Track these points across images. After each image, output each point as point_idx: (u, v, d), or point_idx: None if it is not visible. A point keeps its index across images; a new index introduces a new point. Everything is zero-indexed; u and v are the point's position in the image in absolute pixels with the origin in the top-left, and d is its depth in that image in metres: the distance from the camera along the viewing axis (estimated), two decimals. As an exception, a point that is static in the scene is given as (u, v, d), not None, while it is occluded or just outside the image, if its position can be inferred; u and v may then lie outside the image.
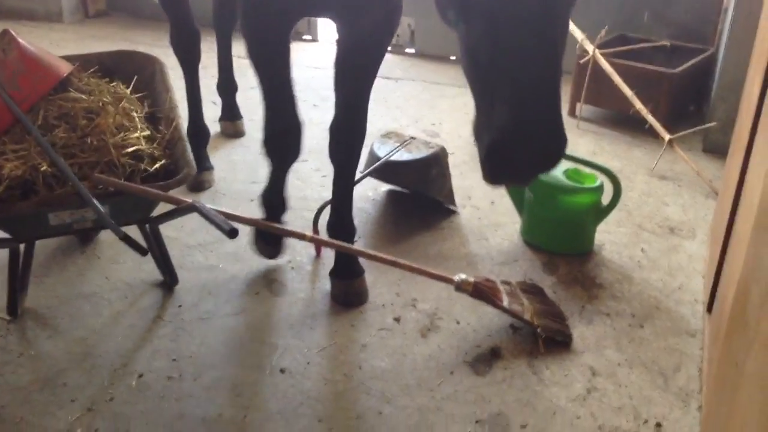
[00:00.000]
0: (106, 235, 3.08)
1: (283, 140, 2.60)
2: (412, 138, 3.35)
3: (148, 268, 2.88)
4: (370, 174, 3.22)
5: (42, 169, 2.26)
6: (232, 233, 2.03)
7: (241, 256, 3.03)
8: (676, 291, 2.91)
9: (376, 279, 2.88)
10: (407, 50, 5.72)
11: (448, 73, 5.30)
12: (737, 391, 1.56)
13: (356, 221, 2.89)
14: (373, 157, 3.25)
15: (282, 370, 2.44)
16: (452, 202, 3.37)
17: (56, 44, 5.57)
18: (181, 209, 2.35)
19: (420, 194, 3.32)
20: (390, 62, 5.54)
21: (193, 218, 3.18)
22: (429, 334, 2.63)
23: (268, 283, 2.90)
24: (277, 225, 2.60)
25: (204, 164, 3.52)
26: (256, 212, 2.99)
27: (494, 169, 1.58)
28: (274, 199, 2.85)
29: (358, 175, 2.86)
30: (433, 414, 2.28)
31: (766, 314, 1.40)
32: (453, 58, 5.52)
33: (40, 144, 2.28)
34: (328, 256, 2.95)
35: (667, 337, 2.65)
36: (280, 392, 2.35)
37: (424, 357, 2.52)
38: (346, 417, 2.26)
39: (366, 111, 2.62)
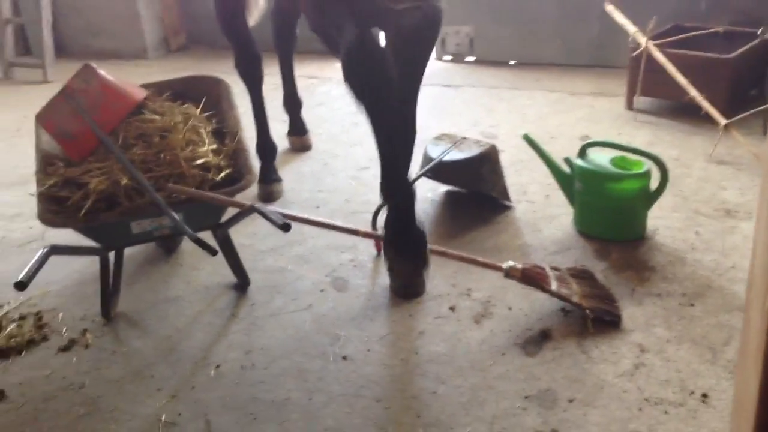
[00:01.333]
0: (187, 245, 3.38)
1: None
2: (463, 138, 3.51)
3: (224, 273, 3.14)
4: (424, 175, 3.39)
5: (123, 183, 2.55)
6: (285, 227, 2.25)
7: (308, 258, 3.27)
8: (730, 270, 2.95)
9: (433, 273, 3.04)
10: (467, 59, 5.88)
11: (506, 77, 5.43)
12: (746, 344, 1.65)
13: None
14: (427, 159, 3.43)
15: (344, 358, 2.64)
16: (507, 197, 3.50)
17: (142, 78, 6.00)
18: (244, 212, 2.60)
19: (475, 192, 3.47)
20: (450, 71, 5.72)
21: (265, 225, 3.44)
22: (482, 320, 2.78)
23: (332, 281, 3.11)
24: (333, 223, 2.80)
25: (272, 176, 3.77)
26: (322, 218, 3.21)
27: None
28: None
29: (412, 176, 3.05)
30: (484, 392, 2.42)
31: None
32: (512, 62, 5.64)
33: (120, 161, 2.57)
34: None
35: (718, 313, 2.70)
36: (343, 377, 2.55)
37: (477, 341, 2.67)
38: (402, 397, 2.43)
39: (415, 109, 2.85)
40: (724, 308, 2.72)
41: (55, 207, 2.58)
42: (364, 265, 3.20)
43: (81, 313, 2.99)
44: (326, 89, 5.25)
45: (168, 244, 3.28)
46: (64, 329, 2.90)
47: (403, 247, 2.85)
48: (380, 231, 3.09)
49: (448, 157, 3.35)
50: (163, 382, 2.60)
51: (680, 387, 2.37)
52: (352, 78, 2.56)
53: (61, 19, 6.73)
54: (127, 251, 3.04)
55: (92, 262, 3.23)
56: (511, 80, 5.34)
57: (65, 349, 2.81)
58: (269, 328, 2.84)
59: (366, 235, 2.83)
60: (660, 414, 2.28)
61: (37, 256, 2.41)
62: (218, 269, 3.18)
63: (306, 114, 4.44)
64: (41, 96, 3.29)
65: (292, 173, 4.11)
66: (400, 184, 2.82)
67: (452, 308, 2.85)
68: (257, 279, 3.13)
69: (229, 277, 3.12)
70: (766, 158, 2.56)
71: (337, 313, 2.91)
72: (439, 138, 3.57)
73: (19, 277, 2.28)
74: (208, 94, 3.17)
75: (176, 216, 2.51)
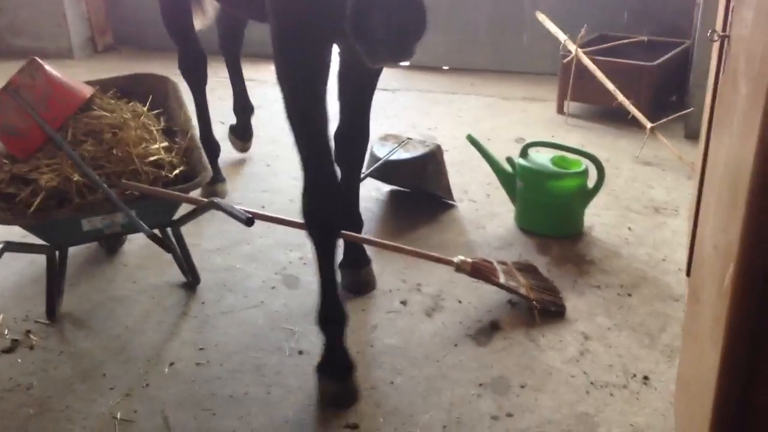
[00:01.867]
0: (130, 246, 3.34)
1: (327, 205, 2.32)
2: (408, 138, 3.60)
3: (171, 272, 3.12)
4: (371, 174, 3.46)
5: (75, 179, 2.51)
6: (249, 221, 2.27)
7: (257, 257, 3.28)
8: (661, 263, 3.13)
9: (383, 268, 3.11)
10: (401, 64, 5.98)
11: (440, 82, 5.57)
12: (698, 325, 1.79)
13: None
14: (374, 158, 3.50)
15: (300, 352, 2.67)
16: (450, 196, 3.60)
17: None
18: (202, 207, 2.60)
19: (419, 191, 3.56)
20: (385, 75, 5.81)
21: (211, 225, 3.45)
22: (434, 313, 2.86)
23: (282, 278, 3.13)
24: (283, 218, 2.82)
25: (217, 177, 3.74)
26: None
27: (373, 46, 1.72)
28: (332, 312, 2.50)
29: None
30: (440, 381, 2.50)
31: (719, 265, 1.63)
32: (445, 68, 5.79)
33: (71, 157, 2.53)
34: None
35: (653, 302, 2.87)
36: (300, 371, 2.58)
37: (430, 333, 2.74)
38: (361, 388, 2.48)
39: (369, 117, 2.77)
40: (659, 297, 2.90)
41: (2, 204, 2.51)
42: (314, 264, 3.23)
43: (23, 314, 2.91)
44: (263, 92, 5.25)
45: (111, 244, 3.23)
46: (6, 331, 2.83)
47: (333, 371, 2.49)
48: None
49: (394, 157, 3.42)
50: (115, 381, 2.57)
51: (623, 371, 2.51)
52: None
53: (-19, 16, 6.48)
54: (70, 251, 2.98)
55: (31, 264, 3.16)
56: (446, 85, 5.48)
57: (9, 350, 2.73)
58: (222, 326, 2.84)
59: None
60: (606, 396, 2.41)
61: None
62: (165, 269, 3.16)
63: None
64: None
65: (235, 174, 4.11)
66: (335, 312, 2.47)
67: (404, 302, 2.93)
68: (206, 278, 3.12)
69: (176, 276, 3.10)
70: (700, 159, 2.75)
71: (289, 309, 2.93)
72: (385, 138, 3.65)
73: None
74: (154, 92, 3.14)
75: (131, 212, 2.49)
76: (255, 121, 4.39)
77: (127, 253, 3.34)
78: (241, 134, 4.27)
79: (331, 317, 2.46)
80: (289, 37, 2.15)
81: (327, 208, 2.30)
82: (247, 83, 4.31)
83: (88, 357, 2.70)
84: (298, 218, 3.17)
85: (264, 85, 5.46)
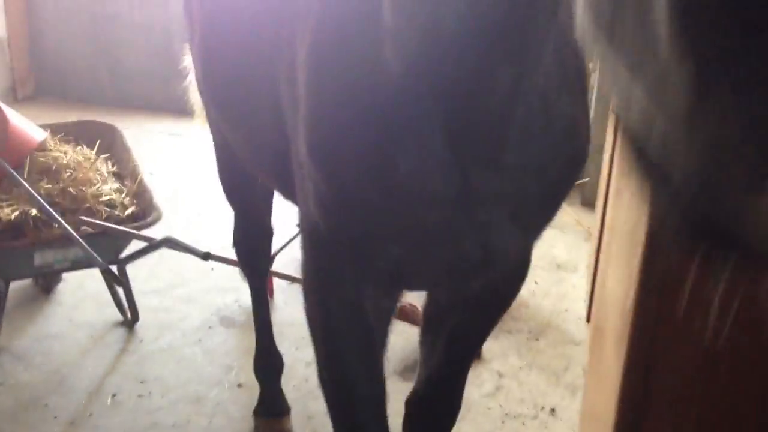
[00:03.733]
0: (64, 285, 3.42)
1: None
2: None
3: (107, 312, 3.23)
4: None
5: (32, 214, 2.65)
6: (206, 256, 2.47)
7: (194, 298, 3.43)
8: (564, 312, 3.51)
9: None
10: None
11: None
12: (601, 356, 2.13)
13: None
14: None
15: (239, 385, 2.85)
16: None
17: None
18: (155, 245, 2.77)
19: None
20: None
21: (144, 268, 3.58)
22: (363, 352, 3.10)
23: (219, 319, 3.30)
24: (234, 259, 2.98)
25: (281, 406, 2.64)
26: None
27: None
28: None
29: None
30: (371, 411, 2.72)
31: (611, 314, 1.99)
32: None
33: (28, 194, 2.66)
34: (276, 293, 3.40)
35: (558, 346, 3.22)
36: (240, 402, 2.75)
37: (360, 370, 2.98)
38: (300, 417, 2.68)
39: (463, 384, 1.98)
40: (562, 342, 3.25)
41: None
42: (248, 304, 3.42)
43: (-42, 349, 2.96)
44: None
45: (48, 282, 3.32)
46: (-61, 363, 2.86)
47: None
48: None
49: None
50: (58, 411, 2.66)
51: (533, 404, 2.83)
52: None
53: None
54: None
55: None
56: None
57: (-55, 383, 2.77)
58: (161, 361, 2.98)
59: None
60: (519, 425, 2.71)
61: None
62: (101, 308, 3.26)
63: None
64: None
65: None
66: None
67: (335, 342, 3.15)
68: (143, 317, 3.24)
69: (113, 315, 3.22)
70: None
71: (227, 346, 3.11)
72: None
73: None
74: (101, 138, 3.31)
75: (88, 247, 2.63)
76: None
77: (61, 292, 3.42)
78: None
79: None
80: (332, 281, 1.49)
81: None
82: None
83: (29, 388, 2.77)
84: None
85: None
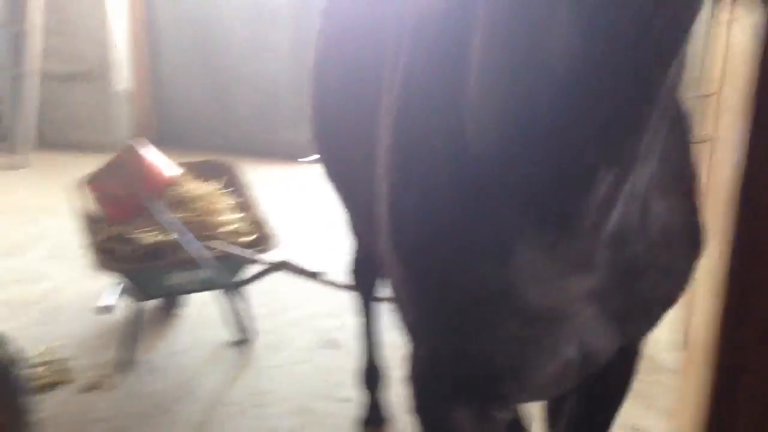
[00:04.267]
0: (188, 309, 3.78)
1: None
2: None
3: (225, 332, 3.55)
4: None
5: (171, 239, 3.02)
6: (318, 275, 2.75)
7: (301, 322, 3.73)
8: (657, 342, 3.60)
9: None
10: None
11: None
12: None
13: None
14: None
15: (346, 399, 3.09)
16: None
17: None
18: (274, 266, 3.07)
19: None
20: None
21: (255, 294, 3.88)
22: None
23: (325, 341, 3.57)
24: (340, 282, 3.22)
25: (382, 415, 2.88)
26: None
27: None
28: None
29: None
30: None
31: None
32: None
33: (168, 222, 3.04)
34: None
35: (651, 373, 3.32)
36: (346, 413, 2.99)
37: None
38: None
39: None
40: (656, 370, 3.35)
41: (107, 255, 3.00)
42: (352, 328, 3.69)
43: (98, 361, 3.33)
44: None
45: (172, 304, 3.68)
46: (82, 376, 3.23)
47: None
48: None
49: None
50: (184, 416, 2.97)
51: (626, 428, 2.94)
52: None
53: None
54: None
55: (97, 319, 3.57)
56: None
57: (88, 389, 3.14)
58: (276, 376, 3.26)
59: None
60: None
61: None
62: (220, 328, 3.58)
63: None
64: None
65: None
66: None
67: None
68: (256, 338, 3.55)
69: (230, 335, 3.53)
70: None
71: (334, 365, 3.36)
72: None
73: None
74: (224, 174, 3.68)
75: (219, 269, 2.97)
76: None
77: (186, 314, 3.79)
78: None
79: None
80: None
81: None
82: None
83: (161, 396, 3.11)
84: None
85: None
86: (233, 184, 3.66)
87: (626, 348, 1.41)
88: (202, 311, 3.76)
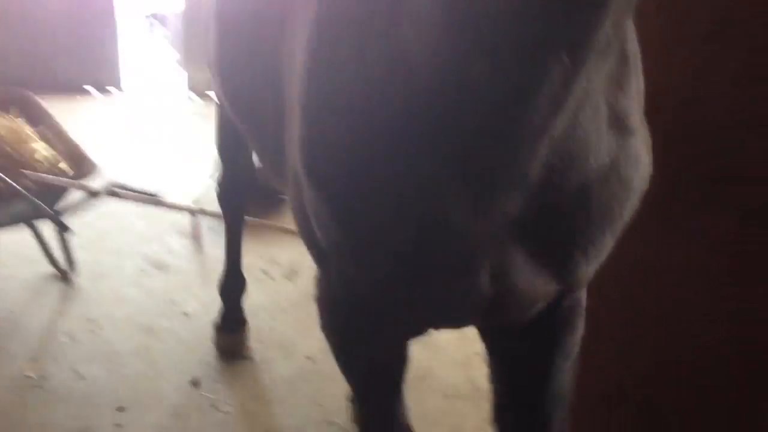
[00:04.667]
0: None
1: None
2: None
3: (40, 267, 3.38)
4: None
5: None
6: (155, 196, 2.72)
7: (121, 249, 3.65)
8: None
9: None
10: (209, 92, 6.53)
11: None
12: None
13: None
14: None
15: (185, 314, 3.13)
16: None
17: None
18: (98, 191, 2.97)
19: (262, 188, 4.10)
20: (202, 104, 6.32)
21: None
22: (293, 277, 3.45)
23: (151, 264, 3.55)
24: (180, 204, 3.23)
25: (241, 322, 2.95)
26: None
27: None
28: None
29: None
30: (309, 327, 3.09)
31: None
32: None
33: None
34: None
35: None
36: (189, 327, 3.04)
37: (289, 291, 3.34)
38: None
39: None
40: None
41: None
42: (178, 251, 3.69)
43: None
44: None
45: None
46: None
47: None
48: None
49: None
50: (19, 350, 2.84)
51: None
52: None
53: None
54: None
55: None
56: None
57: None
58: (105, 302, 3.20)
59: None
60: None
61: None
62: (32, 264, 3.41)
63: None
64: None
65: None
66: None
67: (264, 272, 3.49)
68: (79, 268, 3.43)
69: (47, 269, 3.38)
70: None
71: (165, 286, 3.36)
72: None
73: None
74: (14, 103, 3.43)
75: (35, 200, 2.82)
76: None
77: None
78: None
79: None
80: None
81: None
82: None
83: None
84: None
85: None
86: (33, 114, 3.44)
87: (566, 295, 1.34)
88: (15, 246, 3.54)
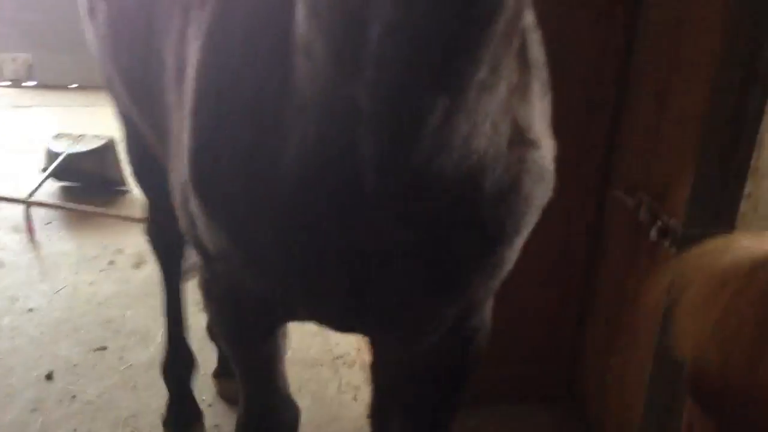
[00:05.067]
0: None
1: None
2: (81, 135, 4.04)
3: None
4: (53, 174, 3.83)
5: None
6: None
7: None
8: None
9: (83, 238, 3.56)
10: (25, 83, 6.18)
11: (73, 97, 5.95)
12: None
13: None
14: (52, 155, 3.88)
15: (30, 309, 3.04)
16: (125, 182, 4.13)
17: None
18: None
19: (101, 180, 4.00)
20: (13, 95, 5.97)
21: None
22: (141, 265, 3.43)
23: (-16, 262, 3.38)
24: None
25: (193, 413, 2.41)
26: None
27: None
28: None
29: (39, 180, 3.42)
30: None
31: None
32: (73, 86, 6.15)
33: None
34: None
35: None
36: (32, 323, 2.96)
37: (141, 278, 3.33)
38: (93, 323, 2.97)
39: None
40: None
41: None
42: (15, 246, 3.54)
43: None
44: None
45: None
46: None
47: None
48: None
49: (75, 150, 3.86)
50: None
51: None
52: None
53: None
54: None
55: None
56: (80, 100, 5.85)
57: None
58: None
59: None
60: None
61: None
62: None
63: None
64: None
65: None
66: None
67: (111, 262, 3.45)
68: None
69: None
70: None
71: (5, 283, 3.23)
72: (58, 136, 4.03)
73: None
74: None
75: None
76: None
77: None
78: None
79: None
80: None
81: None
82: None
83: None
84: None
85: None
86: None
87: (467, 318, 1.30)
88: None
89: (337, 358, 2.80)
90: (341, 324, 1.37)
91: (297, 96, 1.01)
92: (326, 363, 2.77)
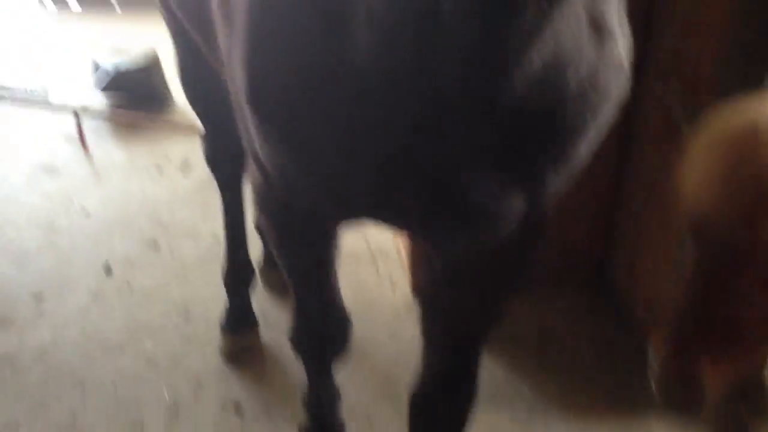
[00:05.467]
0: None
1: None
2: (126, 49, 4.14)
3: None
4: (107, 88, 3.96)
5: None
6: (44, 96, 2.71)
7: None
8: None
9: (134, 146, 3.70)
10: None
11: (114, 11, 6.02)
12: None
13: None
14: (100, 70, 3.99)
15: (85, 210, 3.21)
16: (170, 95, 4.22)
17: None
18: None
19: (145, 93, 4.11)
20: (60, 6, 6.05)
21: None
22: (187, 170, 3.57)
23: (42, 169, 3.55)
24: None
25: (249, 319, 2.49)
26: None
27: None
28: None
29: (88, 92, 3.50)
30: (214, 209, 3.24)
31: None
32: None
33: None
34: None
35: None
36: (84, 229, 3.13)
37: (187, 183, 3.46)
38: (142, 226, 3.13)
39: (475, 374, 1.59)
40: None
41: None
42: (68, 154, 3.71)
43: None
44: None
45: None
46: None
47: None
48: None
49: (123, 66, 3.97)
50: None
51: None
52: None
53: None
54: None
55: None
56: (124, 13, 5.92)
57: None
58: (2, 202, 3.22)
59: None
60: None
61: None
62: None
63: None
64: None
65: None
66: None
67: (159, 168, 3.59)
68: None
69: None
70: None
71: (61, 188, 3.40)
72: (105, 50, 4.13)
73: None
74: None
75: None
76: None
77: None
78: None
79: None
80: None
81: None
82: None
83: None
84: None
85: None
86: None
87: (529, 214, 1.23)
88: None
89: (376, 251, 2.90)
90: (407, 224, 1.30)
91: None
92: (364, 256, 2.88)
